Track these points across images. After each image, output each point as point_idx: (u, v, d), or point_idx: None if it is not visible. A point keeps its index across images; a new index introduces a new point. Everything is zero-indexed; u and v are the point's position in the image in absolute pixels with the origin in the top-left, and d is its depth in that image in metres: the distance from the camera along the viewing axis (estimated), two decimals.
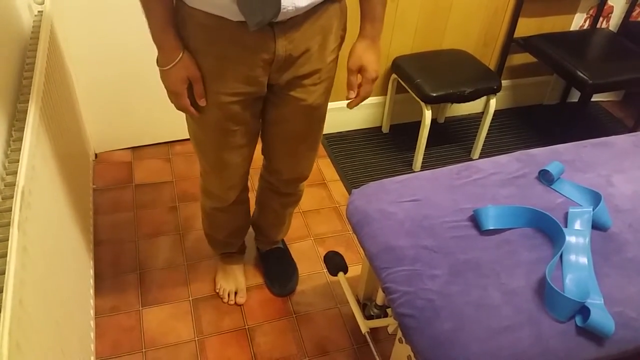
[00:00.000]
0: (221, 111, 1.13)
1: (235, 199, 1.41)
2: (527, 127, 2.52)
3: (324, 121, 1.31)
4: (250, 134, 1.24)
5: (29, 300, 0.80)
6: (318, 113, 1.25)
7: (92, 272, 1.56)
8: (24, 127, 0.99)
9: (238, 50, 1.03)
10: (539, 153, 1.45)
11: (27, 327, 0.76)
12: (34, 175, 0.96)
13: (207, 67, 1.06)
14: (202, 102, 1.09)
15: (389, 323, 1.43)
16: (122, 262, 1.70)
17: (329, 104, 2.20)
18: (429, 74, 2.03)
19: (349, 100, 1.19)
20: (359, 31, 1.15)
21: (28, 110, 1.04)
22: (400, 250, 1.14)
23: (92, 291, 1.50)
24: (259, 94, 1.14)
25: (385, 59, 2.19)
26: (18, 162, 0.91)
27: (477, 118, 2.52)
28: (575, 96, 2.71)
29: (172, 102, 1.11)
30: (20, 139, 0.97)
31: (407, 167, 2.19)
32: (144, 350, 1.46)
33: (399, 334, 1.32)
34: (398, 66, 2.13)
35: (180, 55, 1.02)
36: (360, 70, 1.16)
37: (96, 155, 2.10)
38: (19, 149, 0.95)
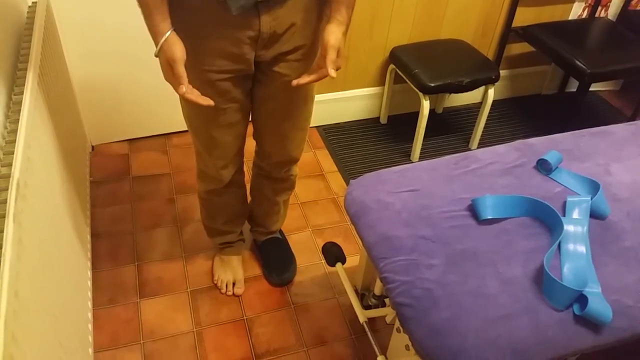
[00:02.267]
0: (212, 88, 1.15)
1: (230, 181, 1.42)
2: (525, 117, 2.52)
3: (311, 101, 1.33)
4: (241, 112, 1.26)
5: (25, 292, 0.80)
6: (304, 91, 1.26)
7: (89, 264, 1.56)
8: (18, 119, 0.99)
9: (223, 29, 1.05)
10: (537, 142, 1.44)
11: (23, 319, 0.76)
12: (29, 167, 0.95)
13: (194, 46, 1.07)
14: (180, 89, 1.04)
15: (387, 313, 1.43)
16: (119, 254, 1.70)
17: (326, 95, 2.22)
18: (427, 64, 2.02)
19: (308, 78, 1.12)
20: (331, 14, 1.09)
21: (23, 102, 1.03)
22: (397, 240, 1.14)
23: (89, 283, 1.50)
24: (247, 71, 1.16)
25: (383, 49, 2.18)
26: (13, 154, 0.91)
27: (475, 108, 2.51)
28: (573, 86, 2.70)
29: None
30: (15, 131, 0.96)
31: (405, 158, 2.19)
32: (142, 341, 1.47)
33: (397, 323, 1.32)
34: (396, 56, 2.11)
35: (164, 38, 1.01)
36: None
37: (93, 147, 2.09)
38: (14, 141, 0.94)
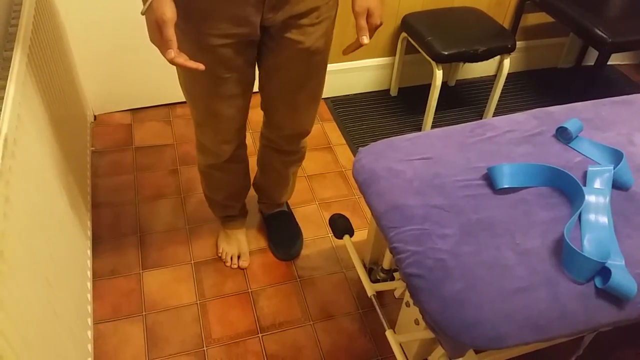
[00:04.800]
0: (211, 55, 1.05)
1: (231, 157, 1.34)
2: (540, 90, 2.43)
3: (325, 69, 1.24)
4: (243, 83, 1.16)
5: (12, 253, 0.75)
6: (318, 59, 1.17)
7: (89, 233, 1.52)
8: (7, 76, 0.93)
9: None
10: (557, 111, 1.37)
11: (8, 280, 0.71)
12: (19, 125, 0.90)
13: (195, 6, 0.98)
14: (168, 54, 0.90)
15: (396, 286, 1.39)
16: (122, 224, 1.66)
17: (334, 65, 2.15)
18: (441, 32, 1.94)
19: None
20: None
21: (13, 58, 0.97)
22: (409, 209, 1.08)
23: (89, 252, 1.46)
24: (251, 36, 1.07)
25: (395, 16, 2.10)
26: (1, 110, 0.85)
27: (489, 81, 2.43)
28: (591, 59, 2.61)
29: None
30: (4, 87, 0.91)
31: (416, 132, 2.12)
32: (144, 313, 1.43)
33: (406, 297, 1.27)
34: (408, 24, 2.03)
35: None
36: (367, 15, 1.05)
37: (95, 117, 2.04)
38: (3, 98, 0.89)
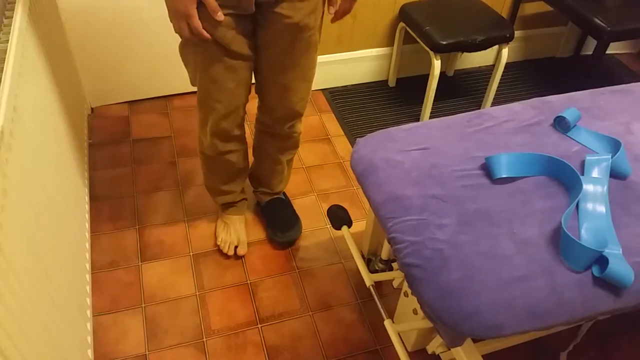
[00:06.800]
0: (213, 29, 1.11)
1: (231, 137, 1.37)
2: (539, 80, 2.42)
3: (314, 49, 1.28)
4: (243, 56, 1.20)
5: (10, 245, 0.75)
6: (306, 36, 1.21)
7: (87, 225, 1.52)
8: (3, 68, 0.93)
9: None
10: (555, 100, 1.37)
11: (7, 273, 0.71)
12: (15, 117, 0.90)
13: None
14: (219, 16, 1.07)
15: (394, 277, 1.39)
16: (120, 217, 1.66)
17: (331, 55, 2.14)
18: (439, 22, 1.93)
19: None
20: None
21: (8, 50, 0.96)
22: (407, 199, 1.08)
23: (87, 245, 1.46)
24: (246, 11, 1.12)
25: (392, 6, 2.09)
26: None
27: (488, 71, 2.42)
28: (589, 48, 2.60)
29: (179, 30, 1.09)
30: (0, 79, 0.90)
31: (414, 122, 2.11)
32: (143, 305, 1.43)
33: (405, 287, 1.28)
34: (406, 14, 2.02)
35: None
36: None
37: (92, 109, 2.03)
38: None
